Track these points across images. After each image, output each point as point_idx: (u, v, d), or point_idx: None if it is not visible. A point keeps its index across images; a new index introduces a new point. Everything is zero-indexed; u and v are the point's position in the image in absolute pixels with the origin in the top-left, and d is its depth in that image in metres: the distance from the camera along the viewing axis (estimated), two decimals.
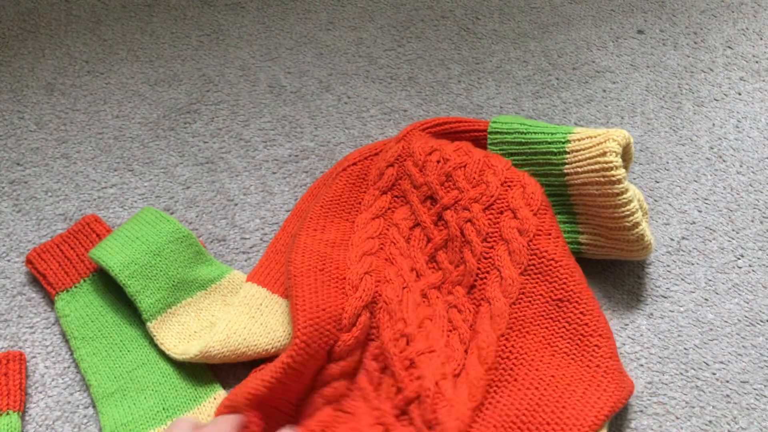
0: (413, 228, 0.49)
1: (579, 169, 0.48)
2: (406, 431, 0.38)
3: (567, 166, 0.49)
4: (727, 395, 0.46)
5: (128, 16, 0.71)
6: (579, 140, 0.48)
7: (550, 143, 0.49)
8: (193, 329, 0.47)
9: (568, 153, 0.48)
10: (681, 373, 0.47)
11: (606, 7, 0.72)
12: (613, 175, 0.46)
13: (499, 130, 0.52)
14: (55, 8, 0.72)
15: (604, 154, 0.46)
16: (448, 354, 0.42)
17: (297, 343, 0.41)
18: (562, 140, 0.49)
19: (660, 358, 0.47)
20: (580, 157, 0.48)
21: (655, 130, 0.61)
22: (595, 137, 0.48)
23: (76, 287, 0.49)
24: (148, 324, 0.46)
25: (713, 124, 0.61)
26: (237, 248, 0.53)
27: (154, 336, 0.46)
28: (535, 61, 0.67)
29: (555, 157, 0.49)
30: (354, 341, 0.42)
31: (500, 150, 0.52)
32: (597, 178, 0.47)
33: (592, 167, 0.47)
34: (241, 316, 0.46)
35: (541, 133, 0.50)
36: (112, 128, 0.61)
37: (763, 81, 0.65)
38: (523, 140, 0.51)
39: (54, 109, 0.63)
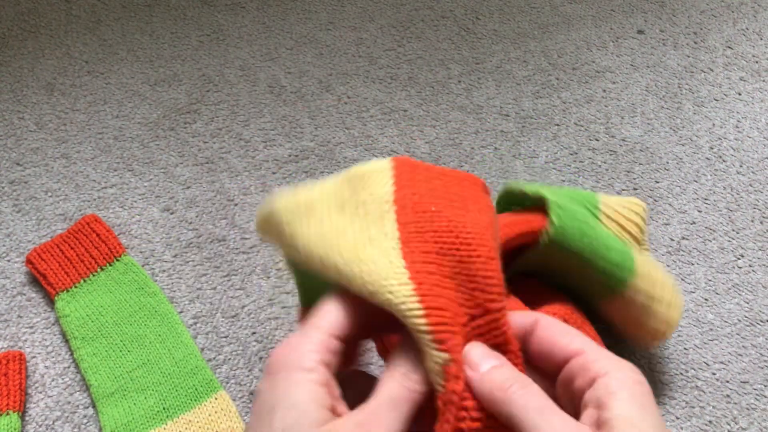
0: None
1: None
2: None
3: (626, 291, 0.42)
4: (728, 395, 0.46)
5: (128, 16, 0.71)
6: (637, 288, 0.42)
7: (615, 267, 0.41)
8: None
9: (628, 289, 0.42)
10: (681, 373, 0.46)
11: (606, 7, 0.72)
12: None
13: (565, 226, 0.41)
14: (55, 8, 0.72)
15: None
16: None
17: None
18: (625, 279, 0.41)
19: (660, 358, 0.47)
20: (636, 300, 0.42)
21: (655, 130, 0.61)
22: (661, 290, 0.42)
23: (76, 287, 0.49)
24: None
25: (713, 124, 0.61)
26: (237, 248, 0.53)
27: None
28: (535, 61, 0.67)
29: (612, 282, 0.42)
30: None
31: (563, 239, 0.41)
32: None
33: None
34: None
35: (606, 257, 0.41)
36: (112, 128, 0.61)
37: (763, 81, 0.65)
38: (588, 249, 0.41)
39: (54, 109, 0.62)
